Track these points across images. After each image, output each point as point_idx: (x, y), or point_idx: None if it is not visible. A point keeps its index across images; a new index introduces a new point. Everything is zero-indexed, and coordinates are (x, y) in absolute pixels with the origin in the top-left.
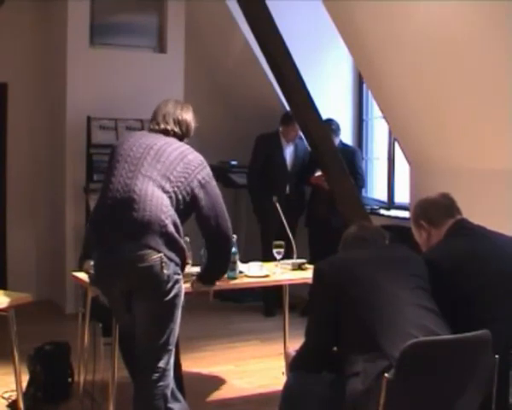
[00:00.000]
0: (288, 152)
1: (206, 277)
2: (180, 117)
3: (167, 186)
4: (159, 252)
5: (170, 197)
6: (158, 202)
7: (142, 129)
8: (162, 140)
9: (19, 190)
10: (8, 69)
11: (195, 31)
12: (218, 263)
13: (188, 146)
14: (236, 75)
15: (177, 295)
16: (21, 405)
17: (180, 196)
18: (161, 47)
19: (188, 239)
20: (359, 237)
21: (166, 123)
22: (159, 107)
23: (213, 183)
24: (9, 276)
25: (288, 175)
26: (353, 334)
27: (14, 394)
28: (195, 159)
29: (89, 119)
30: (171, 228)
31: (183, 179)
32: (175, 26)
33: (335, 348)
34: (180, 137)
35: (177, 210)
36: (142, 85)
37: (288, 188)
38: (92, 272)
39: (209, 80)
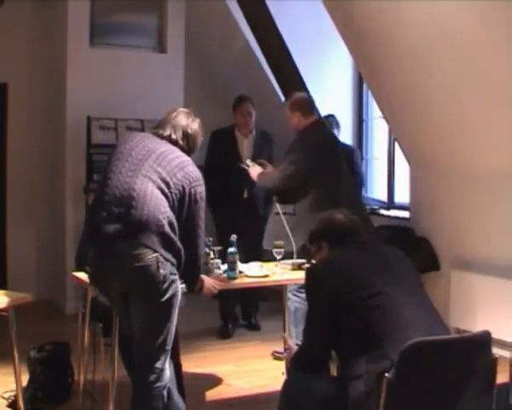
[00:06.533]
0: (246, 147)
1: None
2: (189, 131)
3: (166, 190)
4: (155, 252)
5: (168, 200)
6: (156, 202)
7: (142, 129)
8: (165, 146)
9: (19, 190)
10: (8, 69)
11: (195, 31)
12: (186, 271)
13: (189, 158)
14: (236, 75)
15: (173, 296)
16: (21, 405)
17: (176, 204)
18: (161, 47)
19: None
20: (349, 228)
21: (175, 133)
22: (168, 115)
23: (203, 204)
24: (9, 276)
25: (245, 176)
26: (354, 336)
27: (14, 394)
28: (195, 172)
29: (89, 119)
30: (168, 228)
31: (180, 188)
32: (175, 26)
33: (334, 351)
34: (185, 151)
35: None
36: (142, 85)
37: (246, 191)
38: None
39: (209, 80)
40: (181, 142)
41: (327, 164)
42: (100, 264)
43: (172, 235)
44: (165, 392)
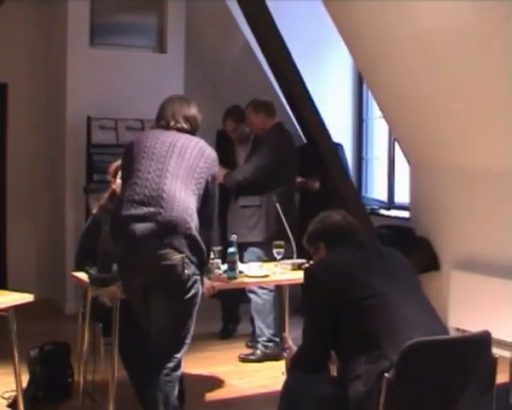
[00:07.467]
0: (242, 153)
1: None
2: (188, 113)
3: (192, 185)
4: (181, 253)
5: (195, 195)
6: (185, 204)
7: (142, 129)
8: (182, 137)
9: (19, 189)
10: (8, 69)
11: (195, 31)
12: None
13: (203, 141)
14: (236, 75)
15: (196, 295)
16: (21, 405)
17: (201, 192)
18: (161, 47)
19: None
20: (347, 228)
21: (177, 121)
22: (165, 104)
23: (217, 181)
24: (9, 276)
25: None
26: (353, 336)
27: (14, 394)
28: (212, 153)
29: (89, 119)
30: (195, 231)
31: (203, 175)
32: (175, 26)
33: (334, 351)
34: (191, 133)
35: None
36: (142, 85)
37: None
38: (92, 272)
39: (209, 80)
40: (186, 127)
41: (292, 161)
42: (126, 262)
43: (198, 237)
44: (177, 384)
